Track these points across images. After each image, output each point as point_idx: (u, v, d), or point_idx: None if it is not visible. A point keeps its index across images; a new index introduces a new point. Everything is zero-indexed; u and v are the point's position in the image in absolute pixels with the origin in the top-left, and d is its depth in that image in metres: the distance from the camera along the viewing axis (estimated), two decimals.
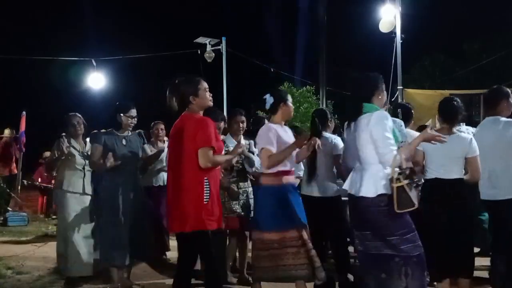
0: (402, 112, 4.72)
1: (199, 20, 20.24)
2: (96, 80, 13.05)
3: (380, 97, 3.35)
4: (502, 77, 12.79)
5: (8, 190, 9.45)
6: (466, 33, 17.46)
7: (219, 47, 12.83)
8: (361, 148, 3.25)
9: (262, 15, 20.66)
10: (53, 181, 7.97)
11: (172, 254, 5.56)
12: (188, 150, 3.34)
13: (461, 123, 4.78)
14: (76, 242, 4.71)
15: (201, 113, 3.54)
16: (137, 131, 4.67)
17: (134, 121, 4.57)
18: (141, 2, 22.99)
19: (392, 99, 9.69)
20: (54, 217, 10.11)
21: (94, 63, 12.74)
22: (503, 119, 3.88)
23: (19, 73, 18.54)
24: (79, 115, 5.07)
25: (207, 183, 3.36)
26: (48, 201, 10.72)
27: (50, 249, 6.91)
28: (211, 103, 3.56)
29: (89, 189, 4.89)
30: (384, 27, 9.41)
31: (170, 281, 4.73)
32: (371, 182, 3.16)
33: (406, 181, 3.03)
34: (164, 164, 5.48)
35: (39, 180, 11.12)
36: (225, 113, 12.26)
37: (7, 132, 10.35)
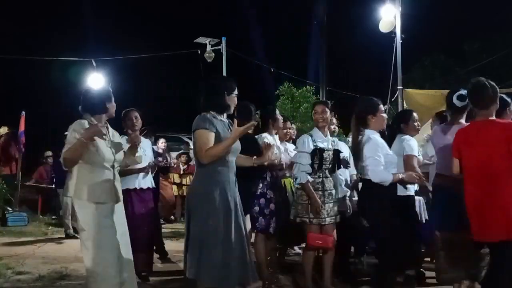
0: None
1: (199, 20, 20.22)
2: (96, 80, 13.05)
3: None
4: (502, 77, 12.78)
5: (4, 191, 9.43)
6: (466, 33, 17.47)
7: (219, 47, 12.83)
8: None
9: (262, 15, 20.63)
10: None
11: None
12: (506, 154, 3.46)
13: None
14: (109, 264, 3.48)
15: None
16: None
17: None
18: (141, 2, 22.97)
19: (392, 99, 9.69)
20: (54, 217, 10.11)
21: (94, 63, 12.75)
22: None
23: (19, 73, 18.51)
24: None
25: None
26: (46, 201, 10.72)
27: (50, 249, 6.93)
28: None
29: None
30: (384, 27, 9.42)
31: None
32: None
33: None
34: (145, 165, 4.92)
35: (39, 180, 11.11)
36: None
37: (2, 130, 10.32)
